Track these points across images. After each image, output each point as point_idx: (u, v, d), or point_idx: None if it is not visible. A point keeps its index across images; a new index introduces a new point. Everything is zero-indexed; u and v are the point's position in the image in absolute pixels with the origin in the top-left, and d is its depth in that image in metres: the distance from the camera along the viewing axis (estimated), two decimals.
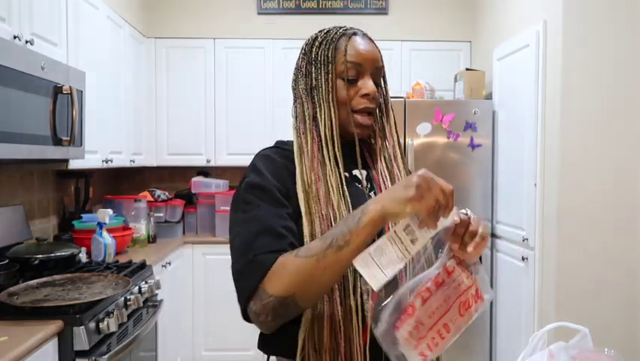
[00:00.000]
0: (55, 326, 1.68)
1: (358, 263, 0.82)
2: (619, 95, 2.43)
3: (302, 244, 0.94)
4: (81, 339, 1.74)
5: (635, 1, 2.41)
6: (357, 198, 1.02)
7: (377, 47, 1.10)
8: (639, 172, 2.44)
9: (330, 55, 1.05)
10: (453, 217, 0.85)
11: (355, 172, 1.09)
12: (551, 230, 2.52)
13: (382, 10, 3.86)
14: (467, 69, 3.51)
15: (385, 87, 1.13)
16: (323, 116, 1.05)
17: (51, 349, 1.67)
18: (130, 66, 3.38)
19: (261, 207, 0.95)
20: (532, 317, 2.69)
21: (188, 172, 3.99)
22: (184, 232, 3.75)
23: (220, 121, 3.79)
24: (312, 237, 0.95)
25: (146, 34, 3.74)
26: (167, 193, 3.71)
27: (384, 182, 1.08)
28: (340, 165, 1.03)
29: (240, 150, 3.67)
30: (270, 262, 0.87)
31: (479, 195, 3.20)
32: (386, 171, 1.10)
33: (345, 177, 1.05)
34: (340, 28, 1.09)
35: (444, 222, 0.84)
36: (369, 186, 1.09)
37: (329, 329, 0.94)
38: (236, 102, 3.77)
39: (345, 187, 1.01)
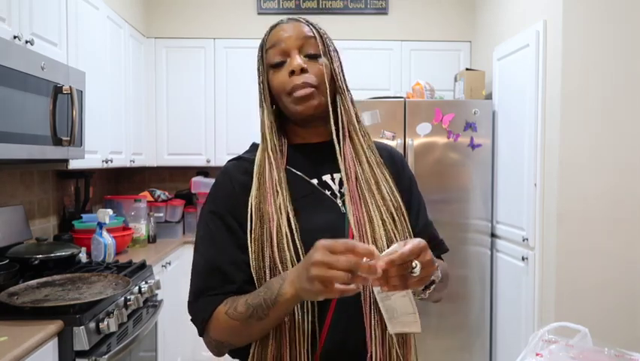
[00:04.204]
0: (55, 326, 1.68)
1: (394, 332, 0.89)
2: (619, 95, 2.43)
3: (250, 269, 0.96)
4: (81, 339, 1.74)
5: (636, 1, 2.41)
6: (323, 208, 0.99)
7: (307, 22, 1.03)
8: (639, 172, 2.44)
9: (259, 55, 1.04)
10: (394, 249, 0.80)
11: (325, 177, 1.03)
12: (551, 230, 2.52)
13: (382, 10, 3.86)
14: (467, 69, 3.51)
15: (329, 56, 1.02)
16: (265, 120, 1.03)
17: (51, 349, 1.67)
18: (130, 66, 3.38)
19: (214, 236, 0.99)
20: (532, 316, 2.69)
21: (188, 172, 3.99)
22: (184, 232, 3.75)
23: (220, 121, 3.79)
24: (258, 262, 0.94)
25: (146, 34, 3.74)
26: (167, 193, 3.71)
27: (351, 188, 1.00)
28: (284, 178, 0.98)
29: (239, 150, 3.62)
30: (211, 308, 0.95)
31: (479, 195, 3.20)
32: (352, 174, 1.01)
33: (313, 184, 1.01)
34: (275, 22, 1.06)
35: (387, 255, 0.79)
36: (340, 191, 1.02)
37: (274, 340, 0.94)
38: (237, 102, 3.77)
39: (287, 211, 0.95)
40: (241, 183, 1.01)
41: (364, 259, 0.77)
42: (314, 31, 1.01)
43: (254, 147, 1.09)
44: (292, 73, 0.97)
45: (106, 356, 1.81)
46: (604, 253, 2.45)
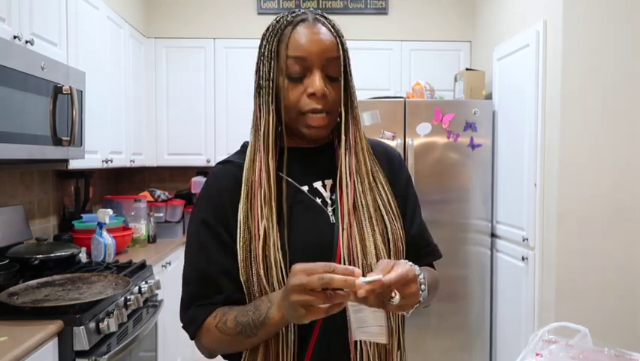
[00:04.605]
0: (55, 326, 1.68)
1: (357, 338, 0.88)
2: (619, 95, 2.43)
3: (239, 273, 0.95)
4: (81, 339, 1.74)
5: (636, 1, 2.41)
6: (313, 217, 0.97)
7: (334, 33, 0.95)
8: (639, 172, 2.44)
9: (273, 49, 0.94)
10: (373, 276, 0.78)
11: (317, 185, 1.00)
12: (551, 230, 2.52)
13: (382, 10, 3.86)
14: (467, 69, 3.51)
15: (347, 80, 0.97)
16: (262, 122, 0.96)
17: (51, 349, 1.67)
18: (130, 66, 3.38)
19: (203, 245, 0.98)
20: (532, 317, 2.69)
21: (188, 172, 3.99)
22: (184, 232, 3.74)
23: (220, 121, 3.79)
24: (246, 269, 0.94)
25: (146, 34, 3.74)
26: (167, 193, 3.71)
27: (347, 194, 0.97)
28: (273, 184, 0.95)
29: None
30: (202, 318, 0.96)
31: (479, 195, 3.20)
32: (349, 180, 0.97)
33: (303, 191, 0.99)
34: (291, 14, 0.96)
35: (367, 279, 0.78)
36: (332, 199, 0.99)
37: (263, 348, 0.94)
38: (237, 102, 3.77)
39: (274, 218, 0.93)
40: (229, 190, 0.98)
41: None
42: (339, 46, 0.95)
43: (244, 147, 1.04)
44: (313, 95, 0.92)
45: (106, 356, 1.81)
46: (604, 252, 2.44)
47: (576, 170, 2.45)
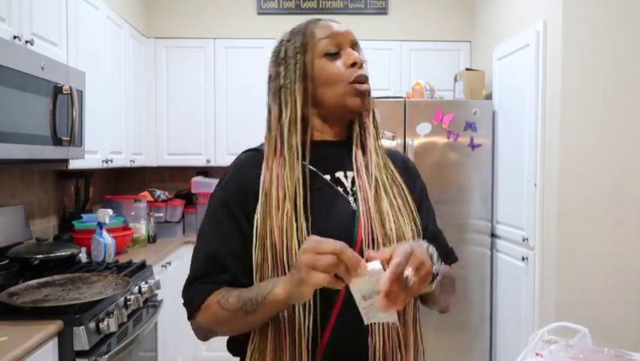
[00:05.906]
0: (55, 326, 1.68)
1: (368, 321, 0.87)
2: (619, 95, 2.43)
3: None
4: (81, 339, 1.74)
5: (636, 1, 2.41)
6: (334, 203, 1.00)
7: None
8: (639, 172, 2.44)
9: (299, 44, 1.01)
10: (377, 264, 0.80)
11: (339, 174, 1.04)
12: (551, 230, 2.52)
13: (382, 10, 3.86)
14: (467, 69, 3.51)
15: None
16: (286, 119, 1.00)
17: (51, 349, 1.67)
18: (130, 66, 3.38)
19: (219, 225, 1.01)
20: (532, 317, 2.69)
21: (188, 172, 3.99)
22: (184, 232, 3.75)
23: (220, 121, 3.79)
24: (262, 252, 0.95)
25: (146, 34, 3.74)
26: (167, 193, 3.71)
27: (363, 186, 1.02)
28: (297, 167, 0.98)
29: (239, 150, 3.64)
30: (204, 295, 0.97)
31: (479, 195, 3.20)
32: (364, 173, 1.02)
33: (325, 179, 1.02)
34: (304, 21, 1.05)
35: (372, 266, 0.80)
36: (352, 189, 1.03)
37: (273, 338, 0.95)
38: (237, 102, 3.77)
39: (297, 193, 0.96)
40: (253, 177, 1.01)
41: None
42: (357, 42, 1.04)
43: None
44: (354, 64, 0.98)
45: (106, 356, 1.81)
46: (604, 252, 2.44)
47: (576, 170, 2.45)
